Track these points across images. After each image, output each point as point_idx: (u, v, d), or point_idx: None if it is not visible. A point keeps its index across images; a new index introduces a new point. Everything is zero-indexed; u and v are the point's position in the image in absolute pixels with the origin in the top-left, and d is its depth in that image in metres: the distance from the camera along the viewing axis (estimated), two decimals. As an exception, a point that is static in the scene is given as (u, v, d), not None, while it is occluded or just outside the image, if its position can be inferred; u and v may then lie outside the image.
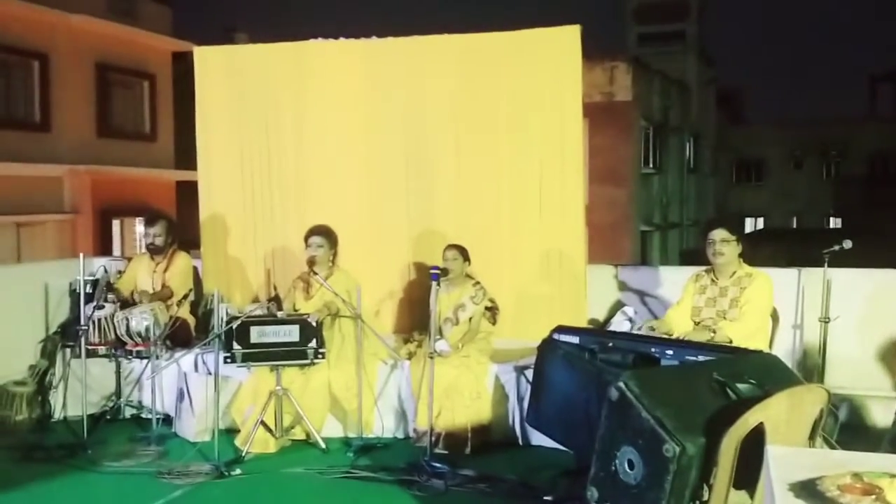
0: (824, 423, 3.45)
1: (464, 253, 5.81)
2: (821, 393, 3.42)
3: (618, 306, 6.41)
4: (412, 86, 6.56)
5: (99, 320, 5.79)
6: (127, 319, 5.78)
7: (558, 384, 4.60)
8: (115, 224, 16.13)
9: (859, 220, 29.15)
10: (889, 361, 5.79)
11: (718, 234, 4.94)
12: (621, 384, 3.29)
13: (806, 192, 35.03)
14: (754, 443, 2.97)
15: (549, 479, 4.65)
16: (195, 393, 5.59)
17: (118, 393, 6.02)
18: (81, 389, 5.60)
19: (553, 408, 4.64)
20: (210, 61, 6.91)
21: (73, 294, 6.29)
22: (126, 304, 6.04)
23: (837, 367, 5.72)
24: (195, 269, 6.62)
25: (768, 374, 3.56)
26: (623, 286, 6.57)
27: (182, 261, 6.34)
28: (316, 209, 6.51)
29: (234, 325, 5.26)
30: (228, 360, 5.32)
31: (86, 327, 5.59)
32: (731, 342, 4.66)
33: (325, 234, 5.81)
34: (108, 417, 5.87)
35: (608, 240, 19.06)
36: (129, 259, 6.89)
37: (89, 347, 5.71)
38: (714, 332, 4.80)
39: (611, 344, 4.44)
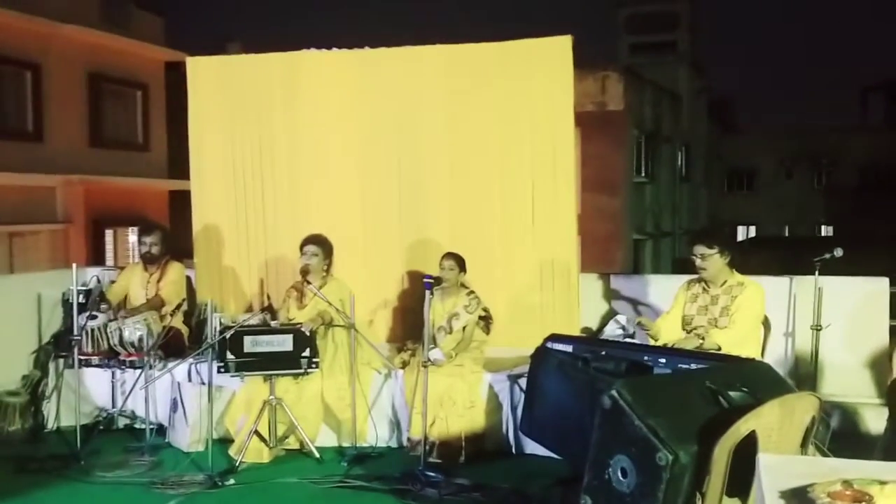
0: (816, 430, 3.46)
1: (460, 262, 5.81)
2: (812, 400, 3.44)
3: (610, 315, 6.43)
4: (404, 96, 6.58)
5: (92, 330, 5.78)
6: (120, 329, 5.77)
7: (552, 393, 4.61)
8: (108, 234, 16.08)
9: (850, 228, 29.26)
10: (880, 369, 5.81)
11: (697, 249, 5.01)
12: (614, 392, 3.30)
13: (797, 200, 35.17)
14: (747, 451, 2.99)
15: (543, 488, 4.66)
16: (189, 403, 5.58)
17: (111, 403, 6.00)
18: (74, 400, 5.60)
19: (546, 416, 4.64)
20: (203, 71, 6.92)
21: (66, 304, 6.28)
22: (116, 312, 6.02)
23: (829, 375, 5.75)
24: (188, 278, 6.62)
25: (760, 382, 3.57)
26: (615, 295, 6.59)
27: (175, 271, 6.33)
28: (309, 218, 6.52)
29: (228, 334, 5.27)
30: (222, 370, 5.32)
31: (79, 337, 5.58)
32: (719, 349, 4.69)
33: (320, 243, 5.82)
34: (102, 428, 5.84)
35: (601, 248, 19.10)
36: (122, 269, 6.88)
37: (82, 358, 5.71)
38: (703, 339, 4.83)
39: (604, 352, 4.45)
